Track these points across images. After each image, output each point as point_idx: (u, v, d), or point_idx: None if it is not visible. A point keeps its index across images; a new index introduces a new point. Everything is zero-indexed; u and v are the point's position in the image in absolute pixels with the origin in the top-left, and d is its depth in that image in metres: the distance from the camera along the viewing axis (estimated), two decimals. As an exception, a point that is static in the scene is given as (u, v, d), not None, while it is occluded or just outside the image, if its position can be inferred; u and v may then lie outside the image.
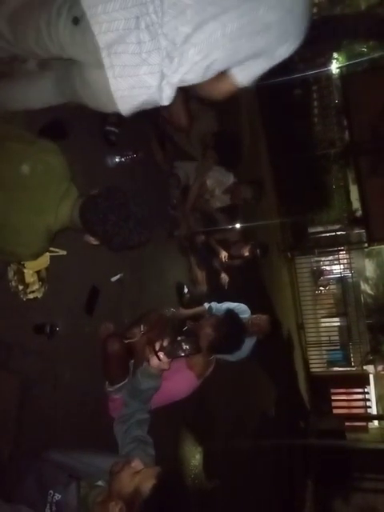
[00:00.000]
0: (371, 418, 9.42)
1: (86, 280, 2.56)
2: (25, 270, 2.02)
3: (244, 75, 1.51)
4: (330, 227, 10.42)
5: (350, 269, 9.41)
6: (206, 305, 3.40)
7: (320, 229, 10.50)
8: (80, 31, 1.36)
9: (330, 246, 9.81)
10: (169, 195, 3.66)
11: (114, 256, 2.67)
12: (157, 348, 1.89)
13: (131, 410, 1.96)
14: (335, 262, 10.23)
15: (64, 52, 1.46)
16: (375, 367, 10.51)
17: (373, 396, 10.05)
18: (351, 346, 9.75)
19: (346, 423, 8.51)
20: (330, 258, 10.63)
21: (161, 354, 1.88)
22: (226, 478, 4.10)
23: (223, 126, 3.84)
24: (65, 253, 2.24)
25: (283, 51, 1.44)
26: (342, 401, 9.35)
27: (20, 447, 1.90)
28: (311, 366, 9.40)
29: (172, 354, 1.91)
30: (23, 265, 2.01)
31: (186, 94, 1.51)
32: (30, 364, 2.07)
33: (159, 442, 1.94)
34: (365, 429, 8.99)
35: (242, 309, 3.31)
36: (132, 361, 2.46)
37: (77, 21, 1.35)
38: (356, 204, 9.23)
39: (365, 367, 9.62)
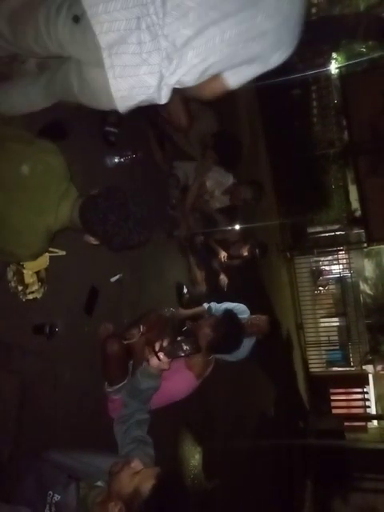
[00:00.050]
0: (370, 417, 9.42)
1: (85, 280, 2.56)
2: (24, 271, 2.02)
3: (235, 79, 1.53)
4: (329, 227, 10.42)
5: (350, 269, 9.42)
6: (206, 305, 3.40)
7: (319, 229, 10.50)
8: (80, 30, 1.36)
9: (329, 246, 9.82)
10: (168, 195, 3.66)
11: (114, 256, 2.67)
12: (156, 348, 1.89)
13: (131, 410, 1.96)
14: (334, 262, 10.25)
15: (63, 50, 1.46)
16: (374, 367, 10.52)
17: (372, 396, 10.06)
18: (350, 346, 9.75)
19: (346, 423, 8.52)
20: (330, 258, 10.64)
21: (161, 355, 1.88)
22: (226, 478, 4.10)
23: (223, 126, 3.83)
24: (64, 253, 2.24)
25: (276, 58, 1.46)
26: (341, 401, 9.34)
27: (20, 447, 1.89)
28: (310, 366, 9.41)
29: (172, 355, 1.91)
30: (22, 265, 2.01)
31: (180, 93, 1.52)
32: (29, 364, 2.07)
33: (159, 443, 1.94)
34: (364, 429, 8.99)
35: (241, 309, 3.32)
36: (131, 361, 2.47)
37: (77, 19, 1.35)
38: (355, 204, 9.23)
39: (364, 367, 9.62)
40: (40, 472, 1.60)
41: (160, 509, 1.46)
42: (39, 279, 2.10)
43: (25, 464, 1.70)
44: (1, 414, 1.87)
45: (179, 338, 1.96)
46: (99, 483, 1.58)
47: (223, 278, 4.31)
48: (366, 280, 11.70)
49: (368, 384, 9.65)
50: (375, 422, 9.53)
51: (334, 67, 9.19)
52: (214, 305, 3.37)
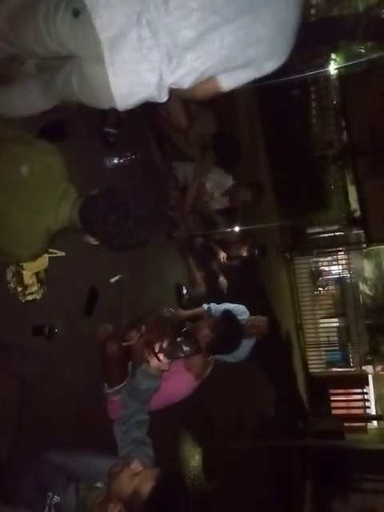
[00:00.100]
0: (370, 418, 9.40)
1: (84, 281, 2.56)
2: (23, 272, 2.02)
3: (229, 82, 1.55)
4: (328, 228, 10.42)
5: (349, 269, 9.42)
6: (205, 306, 3.40)
7: (319, 229, 10.50)
8: (80, 24, 1.36)
9: (328, 247, 9.82)
10: (167, 196, 3.66)
11: (113, 257, 2.67)
12: (156, 349, 1.89)
13: (130, 410, 1.96)
14: (334, 263, 10.24)
15: (63, 48, 1.46)
16: (374, 368, 10.50)
17: (372, 396, 10.04)
18: (350, 347, 9.75)
19: (345, 424, 8.51)
20: (329, 258, 10.64)
21: (160, 356, 1.88)
22: (226, 478, 4.09)
23: (222, 127, 3.84)
24: (63, 254, 2.24)
25: (270, 65, 1.50)
26: (340, 401, 9.34)
27: (19, 448, 1.89)
28: (310, 366, 9.41)
29: (172, 355, 1.91)
30: (22, 266, 2.01)
31: (174, 93, 1.53)
32: (29, 365, 2.07)
33: (158, 444, 1.94)
34: (364, 429, 8.98)
35: (240, 310, 3.31)
36: (131, 362, 2.47)
37: (77, 13, 1.35)
38: (354, 205, 9.24)
39: (364, 368, 9.61)
40: (39, 473, 1.60)
41: (160, 510, 1.46)
42: (39, 280, 2.10)
43: (24, 464, 1.70)
44: (0, 415, 1.87)
45: (179, 339, 1.96)
46: (99, 484, 1.58)
47: (223, 281, 4.31)
48: (365, 280, 11.69)
49: (368, 384, 9.64)
50: (375, 423, 9.51)
51: (333, 68, 9.21)
52: (213, 306, 3.37)
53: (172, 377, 2.27)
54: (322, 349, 9.74)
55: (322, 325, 10.00)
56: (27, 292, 2.05)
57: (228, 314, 2.69)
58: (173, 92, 1.51)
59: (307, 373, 9.24)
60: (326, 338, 9.72)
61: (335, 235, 10.25)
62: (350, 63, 8.71)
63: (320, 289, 11.67)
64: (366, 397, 9.19)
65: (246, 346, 3.18)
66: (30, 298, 2.07)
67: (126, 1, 1.32)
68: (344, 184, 9.97)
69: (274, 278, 7.86)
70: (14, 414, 1.90)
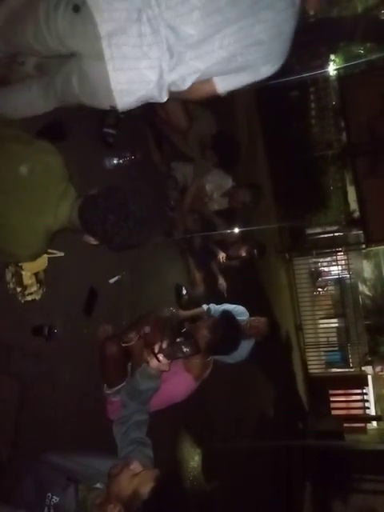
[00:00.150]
0: (370, 419, 9.39)
1: (84, 281, 2.55)
2: (23, 272, 2.02)
3: (225, 84, 1.55)
4: (327, 228, 10.42)
5: (348, 270, 9.42)
6: (205, 306, 3.40)
7: (318, 230, 10.50)
8: (80, 19, 1.36)
9: (327, 248, 9.81)
10: (166, 197, 3.66)
11: (113, 257, 2.68)
12: (156, 350, 1.89)
13: (130, 411, 1.96)
14: (333, 264, 10.24)
15: (63, 45, 1.46)
16: (373, 368, 10.50)
17: (371, 397, 10.03)
18: (349, 347, 9.75)
19: (345, 424, 8.50)
20: (328, 259, 10.63)
21: (160, 356, 1.88)
22: (225, 479, 4.09)
23: (221, 128, 3.84)
24: (63, 254, 2.24)
25: (266, 70, 1.50)
26: (340, 402, 9.34)
27: (19, 448, 1.89)
28: (310, 367, 9.40)
29: (171, 356, 1.91)
30: (21, 267, 2.01)
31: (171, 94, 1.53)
32: (29, 365, 2.06)
33: (158, 444, 1.94)
34: (363, 430, 8.97)
35: (240, 311, 3.31)
36: (130, 363, 2.46)
37: (77, 8, 1.35)
38: (354, 205, 9.23)
39: (363, 368, 9.60)
40: (39, 473, 1.60)
41: (159, 511, 1.46)
42: (38, 280, 2.10)
43: (24, 465, 1.70)
44: (0, 415, 1.86)
45: (178, 340, 1.96)
46: (98, 485, 1.57)
47: (222, 283, 4.30)
48: (364, 281, 11.71)
49: (367, 385, 9.63)
50: (374, 423, 9.50)
51: (332, 69, 9.20)
52: (213, 306, 3.37)
53: (171, 377, 2.27)
54: (322, 349, 9.74)
55: (321, 325, 10.00)
56: (26, 292, 2.05)
57: (227, 314, 2.69)
58: (172, 94, 1.51)
59: (307, 373, 9.24)
60: (325, 339, 9.72)
61: (334, 236, 10.25)
62: (349, 64, 8.71)
63: (319, 289, 11.67)
64: (365, 397, 9.18)
65: (246, 346, 3.17)
66: (29, 298, 2.07)
67: None
68: (343, 184, 9.97)
69: (274, 279, 7.86)
70: (13, 414, 1.90)
